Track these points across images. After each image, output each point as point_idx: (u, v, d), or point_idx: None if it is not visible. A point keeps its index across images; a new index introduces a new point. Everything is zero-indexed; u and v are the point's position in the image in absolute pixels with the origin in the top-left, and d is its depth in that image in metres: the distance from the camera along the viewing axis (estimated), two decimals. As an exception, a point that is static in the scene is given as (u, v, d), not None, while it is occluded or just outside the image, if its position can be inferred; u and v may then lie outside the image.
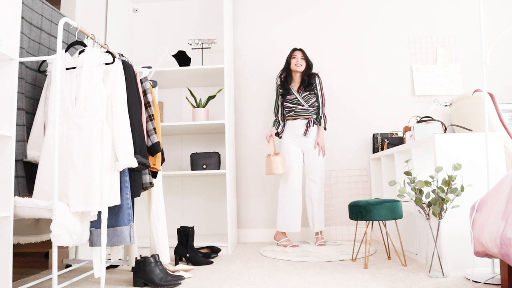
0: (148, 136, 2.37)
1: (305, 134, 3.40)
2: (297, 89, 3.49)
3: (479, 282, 2.03)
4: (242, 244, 3.66)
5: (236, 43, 4.03)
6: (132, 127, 2.15)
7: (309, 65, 3.50)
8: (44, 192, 1.94)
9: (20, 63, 2.02)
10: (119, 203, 2.03)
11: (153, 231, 2.50)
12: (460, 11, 3.93)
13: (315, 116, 3.45)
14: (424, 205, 2.25)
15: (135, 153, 2.14)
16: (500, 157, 2.33)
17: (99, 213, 2.00)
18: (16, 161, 1.95)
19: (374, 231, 3.68)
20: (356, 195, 3.79)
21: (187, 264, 2.75)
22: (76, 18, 2.95)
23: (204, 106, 3.54)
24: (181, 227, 2.81)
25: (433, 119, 2.73)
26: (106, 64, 2.09)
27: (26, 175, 2.06)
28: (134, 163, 2.05)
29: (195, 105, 3.62)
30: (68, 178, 1.92)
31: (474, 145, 2.35)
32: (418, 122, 2.78)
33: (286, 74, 3.54)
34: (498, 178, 2.30)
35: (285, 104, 3.49)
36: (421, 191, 2.25)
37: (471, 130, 2.77)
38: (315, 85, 3.48)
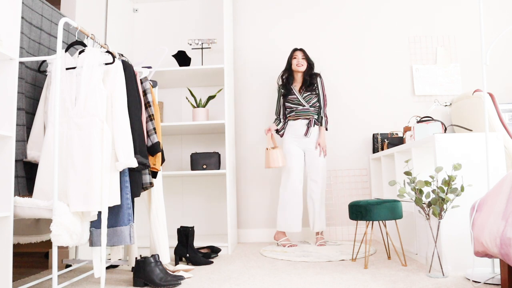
0: (148, 136, 2.37)
1: (306, 134, 3.40)
2: (299, 89, 3.49)
3: (479, 282, 2.03)
4: (242, 244, 3.66)
5: (236, 43, 4.03)
6: (132, 127, 2.15)
7: (310, 64, 3.50)
8: (44, 192, 1.94)
9: (20, 63, 2.02)
10: (119, 203, 2.03)
11: (153, 231, 2.50)
12: (460, 11, 3.93)
13: (316, 116, 3.45)
14: (424, 205, 2.25)
15: (135, 153, 2.14)
16: (500, 157, 2.33)
17: (99, 213, 2.00)
18: (16, 161, 1.95)
19: (374, 231, 3.68)
20: (356, 195, 3.79)
21: (187, 264, 2.75)
22: (76, 18, 2.95)
23: (204, 106, 3.54)
24: (181, 227, 2.81)
25: (433, 119, 2.73)
26: (106, 64, 2.09)
27: (26, 175, 2.06)
28: (134, 163, 2.05)
29: (195, 105, 3.62)
30: (68, 178, 1.92)
31: (474, 145, 2.35)
32: (418, 122, 2.78)
33: (288, 74, 3.54)
34: (498, 178, 2.30)
35: (287, 104, 3.49)
36: (421, 191, 2.25)
37: (471, 130, 2.77)
38: (317, 85, 3.48)
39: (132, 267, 2.54)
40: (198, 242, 3.20)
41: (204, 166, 3.43)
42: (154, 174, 2.45)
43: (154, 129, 2.38)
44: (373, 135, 3.71)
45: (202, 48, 3.74)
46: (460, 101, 3.32)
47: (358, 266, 2.53)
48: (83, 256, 2.78)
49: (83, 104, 1.99)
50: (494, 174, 2.30)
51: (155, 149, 2.36)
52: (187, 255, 2.74)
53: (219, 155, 3.46)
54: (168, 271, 2.28)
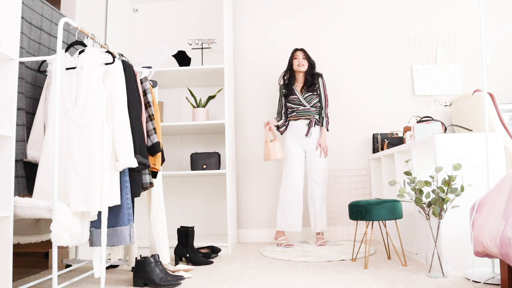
0: (148, 136, 2.37)
1: (307, 134, 3.40)
2: (300, 89, 3.49)
3: (479, 282, 2.03)
4: (242, 244, 3.66)
5: (236, 43, 4.03)
6: (132, 127, 2.15)
7: (311, 64, 3.50)
8: (44, 192, 1.94)
9: (20, 63, 2.02)
10: (119, 203, 2.03)
11: (153, 231, 2.50)
12: (460, 11, 3.93)
13: (317, 117, 3.45)
14: (424, 205, 2.25)
15: (135, 153, 2.14)
16: (500, 157, 2.33)
17: (99, 213, 2.00)
18: (16, 161, 1.95)
19: (374, 231, 3.68)
20: (356, 195, 3.79)
21: (187, 264, 2.75)
22: (76, 18, 2.95)
23: (204, 106, 3.54)
24: (181, 227, 2.81)
25: (433, 119, 2.73)
26: (106, 64, 2.09)
27: (26, 175, 2.06)
28: (134, 163, 2.05)
29: (195, 105, 3.62)
30: (68, 178, 1.92)
31: (474, 145, 2.35)
32: (418, 122, 2.78)
33: (289, 75, 3.54)
34: (498, 178, 2.30)
35: (288, 104, 3.49)
36: (421, 191, 2.25)
37: (471, 130, 2.77)
38: (319, 85, 3.48)
39: (132, 267, 2.54)
40: (198, 242, 3.20)
41: (204, 166, 3.43)
42: (154, 174, 2.45)
43: (154, 129, 2.38)
44: (373, 135, 3.71)
45: (202, 48, 3.74)
46: (460, 101, 3.32)
47: (358, 266, 2.53)
48: (83, 256, 2.78)
49: (83, 104, 1.99)
50: (494, 174, 2.30)
51: (155, 149, 2.36)
52: (187, 255, 2.74)
53: (219, 155, 3.46)
54: (168, 271, 2.28)
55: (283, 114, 3.53)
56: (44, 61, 2.20)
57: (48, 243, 2.66)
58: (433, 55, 3.88)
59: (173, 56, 3.61)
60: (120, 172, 2.07)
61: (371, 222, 3.26)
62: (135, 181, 2.18)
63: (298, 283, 2.15)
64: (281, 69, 3.89)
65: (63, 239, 1.78)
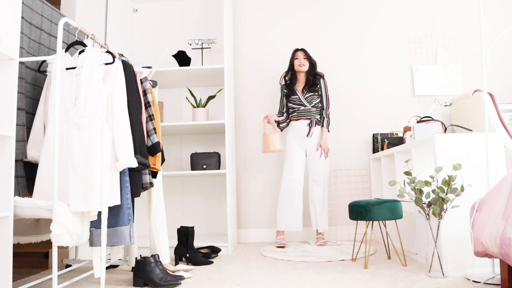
0: (148, 136, 2.37)
1: (307, 135, 3.40)
2: (302, 89, 3.49)
3: (479, 282, 2.03)
4: (242, 244, 3.66)
5: (236, 43, 4.03)
6: (132, 127, 2.15)
7: (312, 64, 3.51)
8: (44, 192, 1.94)
9: (20, 63, 2.02)
10: (119, 203, 2.03)
11: (153, 231, 2.50)
12: (460, 11, 3.93)
13: (318, 117, 3.45)
14: (424, 205, 2.25)
15: (135, 153, 2.14)
16: (500, 157, 2.33)
17: (99, 213, 2.00)
18: (16, 161, 1.95)
19: (374, 231, 3.68)
20: (356, 195, 3.79)
21: (187, 264, 2.75)
22: (76, 18, 2.95)
23: (204, 106, 3.54)
24: (181, 227, 2.81)
25: (433, 119, 2.73)
26: (106, 64, 2.09)
27: (26, 175, 2.06)
28: (134, 163, 2.05)
29: (195, 105, 3.62)
30: (68, 178, 1.92)
31: (474, 145, 2.35)
32: (418, 122, 2.78)
33: (291, 75, 3.54)
34: (498, 178, 2.30)
35: (289, 104, 3.49)
36: (421, 191, 2.25)
37: (471, 130, 2.77)
38: (320, 86, 3.47)
39: (132, 267, 2.54)
40: (198, 242, 3.20)
41: (204, 166, 3.43)
42: (154, 174, 2.45)
43: (154, 129, 2.38)
44: (373, 135, 3.71)
45: (202, 48, 3.74)
46: (460, 101, 3.32)
47: (358, 266, 2.53)
48: (83, 256, 2.78)
49: (83, 104, 1.99)
50: (494, 174, 2.30)
51: (155, 149, 2.36)
52: (187, 255, 2.74)
53: (219, 155, 3.46)
54: (168, 271, 2.28)
55: (284, 113, 3.54)
56: (44, 61, 2.20)
57: (48, 243, 2.67)
58: (433, 55, 3.88)
59: (173, 56, 3.61)
60: (120, 172, 2.07)
61: (371, 222, 3.26)
62: (135, 181, 2.18)
63: (298, 283, 2.15)
64: (281, 69, 3.89)
65: (63, 239, 1.78)
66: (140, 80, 2.44)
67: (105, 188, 1.94)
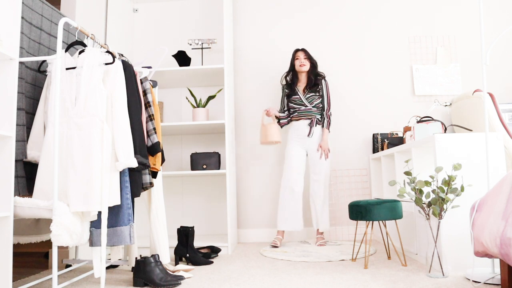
0: (148, 136, 2.37)
1: (308, 134, 3.40)
2: (303, 89, 3.49)
3: (479, 282, 2.03)
4: (242, 244, 3.66)
5: (236, 43, 4.03)
6: (132, 127, 2.15)
7: (313, 64, 3.51)
8: (44, 192, 1.94)
9: (20, 63, 2.02)
10: (119, 203, 2.03)
11: (153, 231, 2.50)
12: (460, 11, 3.93)
13: (318, 117, 3.45)
14: (424, 205, 2.25)
15: (135, 153, 2.14)
16: (500, 157, 2.33)
17: (99, 213, 2.00)
18: (16, 161, 1.95)
19: (374, 231, 3.68)
20: (356, 195, 3.79)
21: (187, 264, 2.75)
22: (76, 18, 2.95)
23: (204, 106, 3.54)
24: (181, 227, 2.81)
25: (433, 119, 2.73)
26: (106, 64, 2.09)
27: (26, 175, 2.06)
28: (134, 163, 2.05)
29: (195, 105, 3.62)
30: (68, 178, 1.92)
31: (474, 145, 2.35)
32: (418, 122, 2.78)
33: (292, 75, 3.54)
34: (498, 178, 2.30)
35: (290, 104, 3.50)
36: (421, 191, 2.25)
37: (471, 130, 2.77)
38: (322, 87, 3.47)
39: (132, 267, 2.54)
40: (198, 242, 3.20)
41: (204, 166, 3.43)
42: (154, 174, 2.45)
43: (154, 129, 2.38)
44: (373, 135, 3.71)
45: (202, 48, 3.74)
46: (460, 101, 3.32)
47: (358, 266, 2.53)
48: (83, 256, 2.78)
49: (83, 104, 1.99)
50: (494, 174, 2.30)
51: (155, 149, 2.36)
52: (187, 255, 2.74)
53: (219, 155, 3.46)
54: (168, 271, 2.28)
55: (286, 111, 3.54)
56: (44, 61, 2.20)
57: (48, 243, 2.67)
58: (433, 55, 3.88)
59: (173, 56, 3.61)
60: (120, 172, 2.07)
61: (371, 222, 3.26)
62: (135, 181, 2.18)
63: (298, 283, 2.15)
64: (281, 69, 3.89)
65: (63, 239, 1.78)
66: (140, 80, 2.44)
67: (105, 188, 1.94)
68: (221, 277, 2.33)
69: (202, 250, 3.01)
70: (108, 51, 2.14)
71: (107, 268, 2.70)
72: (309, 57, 3.50)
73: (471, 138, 2.35)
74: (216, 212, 3.81)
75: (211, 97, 3.54)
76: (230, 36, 3.74)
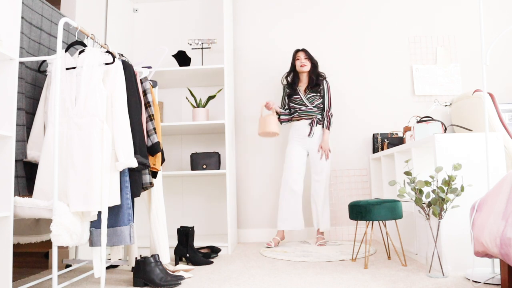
0: (148, 136, 2.37)
1: (309, 134, 3.40)
2: (304, 89, 3.49)
3: (479, 282, 2.03)
4: (242, 244, 3.66)
5: (236, 43, 4.03)
6: (132, 127, 2.15)
7: (314, 64, 3.51)
8: (44, 192, 1.94)
9: (20, 63, 2.02)
10: (119, 203, 2.03)
11: (153, 231, 2.50)
12: (460, 11, 3.93)
13: (319, 116, 3.45)
14: (424, 205, 2.25)
15: (135, 153, 2.14)
16: (500, 157, 2.33)
17: (99, 213, 2.00)
18: (16, 161, 1.95)
19: (374, 231, 3.68)
20: (356, 195, 3.79)
21: (187, 264, 2.75)
22: (76, 18, 2.95)
23: (204, 106, 3.54)
24: (181, 227, 2.81)
25: (433, 119, 2.73)
26: (106, 64, 2.09)
27: (26, 175, 2.06)
28: (134, 163, 2.05)
29: (195, 105, 3.62)
30: (68, 178, 1.92)
31: (474, 145, 2.35)
32: (418, 122, 2.78)
33: (293, 76, 3.54)
34: (498, 178, 2.30)
35: (291, 104, 3.50)
36: (421, 191, 2.25)
37: (471, 130, 2.77)
38: (323, 87, 3.47)
39: (132, 267, 2.54)
40: (198, 242, 3.20)
41: (204, 166, 3.43)
42: (154, 174, 2.45)
43: (154, 129, 2.38)
44: (373, 135, 3.71)
45: (202, 48, 3.74)
46: (460, 101, 3.32)
47: (358, 266, 2.53)
48: (83, 256, 2.78)
49: (83, 104, 1.99)
50: (494, 174, 2.30)
51: (155, 149, 2.36)
52: (187, 255, 2.74)
53: (219, 155, 3.46)
54: (168, 271, 2.28)
55: (286, 110, 3.55)
56: (44, 61, 2.20)
57: (48, 243, 2.67)
58: (433, 55, 3.88)
59: (173, 56, 3.61)
60: (120, 172, 2.07)
61: (371, 222, 3.26)
62: (135, 181, 2.18)
63: (298, 283, 2.15)
64: (281, 69, 3.90)
65: (63, 239, 1.78)
66: (140, 80, 2.44)
67: (105, 188, 1.94)
68: (221, 277, 2.33)
69: (202, 250, 3.01)
70: (108, 51, 2.14)
71: (107, 268, 2.70)
72: (309, 57, 3.50)
73: (471, 138, 2.35)
74: (216, 212, 3.81)
75: (211, 97, 3.54)
76: (230, 36, 3.74)
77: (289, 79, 3.57)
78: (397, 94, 3.88)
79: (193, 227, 2.82)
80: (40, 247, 3.39)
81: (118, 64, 2.14)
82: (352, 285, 2.07)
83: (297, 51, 3.53)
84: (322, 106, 3.46)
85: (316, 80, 3.47)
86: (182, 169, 3.86)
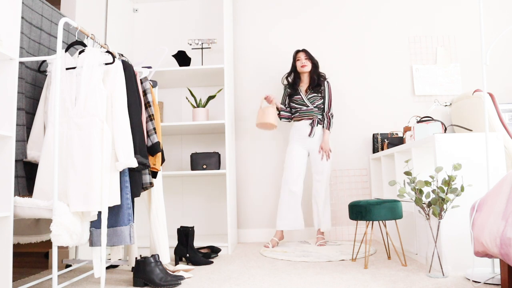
0: (148, 136, 2.37)
1: (309, 134, 3.40)
2: (305, 89, 3.49)
3: (479, 282, 2.03)
4: (242, 244, 3.66)
5: (236, 43, 4.03)
6: (132, 127, 2.15)
7: (314, 64, 3.51)
8: (44, 192, 1.94)
9: (20, 63, 2.02)
10: (119, 203, 2.03)
11: (153, 231, 2.50)
12: (460, 11, 3.93)
13: (320, 117, 3.45)
14: (424, 205, 2.25)
15: (135, 153, 2.14)
16: (500, 157, 2.33)
17: (99, 213, 2.00)
18: (16, 161, 1.95)
19: (374, 231, 3.68)
20: (356, 195, 3.79)
21: (187, 264, 2.75)
22: (76, 18, 2.95)
23: (204, 106, 3.54)
24: (181, 227, 2.81)
25: (433, 119, 2.73)
26: (106, 64, 2.09)
27: (26, 175, 2.06)
28: (134, 163, 2.05)
29: (195, 105, 3.62)
30: (68, 178, 1.92)
31: (474, 145, 2.35)
32: (418, 122, 2.78)
33: (294, 76, 3.54)
34: (498, 178, 2.30)
35: (291, 104, 3.50)
36: (421, 191, 2.25)
37: (471, 130, 2.78)
38: (324, 88, 3.47)
39: (132, 267, 2.54)
40: (198, 242, 3.20)
41: (204, 166, 3.43)
42: (154, 174, 2.45)
43: (154, 129, 2.38)
44: (373, 135, 3.71)
45: (202, 48, 3.74)
46: (460, 101, 3.32)
47: (358, 266, 2.53)
48: (83, 256, 2.78)
49: (83, 104, 1.99)
50: (494, 174, 2.30)
51: (155, 149, 2.36)
52: (187, 255, 2.74)
53: (219, 155, 3.46)
54: (168, 271, 2.28)
55: (286, 109, 3.55)
56: (44, 61, 2.20)
57: (48, 243, 2.67)
58: (433, 55, 3.88)
59: (173, 56, 3.61)
60: (120, 172, 2.07)
61: (371, 222, 3.26)
62: (135, 181, 2.18)
63: (298, 283, 2.15)
64: (281, 69, 3.90)
65: (63, 239, 1.78)
66: (140, 80, 2.44)
67: (105, 188, 1.94)
68: (221, 277, 2.33)
69: (202, 250, 3.01)
70: (108, 51, 2.14)
71: (107, 268, 2.70)
72: (310, 58, 3.50)
73: (471, 138, 2.35)
74: (216, 212, 3.81)
75: (211, 97, 3.54)
76: (230, 36, 3.74)
77: (289, 79, 3.57)
78: (397, 94, 3.88)
79: (193, 227, 2.82)
80: (40, 247, 3.39)
81: (118, 64, 2.14)
82: (352, 285, 2.07)
83: (298, 51, 3.53)
84: (323, 106, 3.46)
85: (318, 80, 3.47)
86: (182, 169, 3.86)
